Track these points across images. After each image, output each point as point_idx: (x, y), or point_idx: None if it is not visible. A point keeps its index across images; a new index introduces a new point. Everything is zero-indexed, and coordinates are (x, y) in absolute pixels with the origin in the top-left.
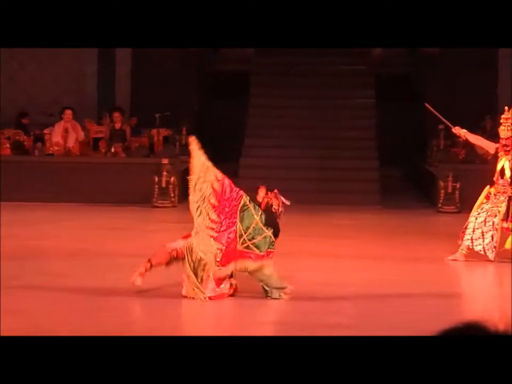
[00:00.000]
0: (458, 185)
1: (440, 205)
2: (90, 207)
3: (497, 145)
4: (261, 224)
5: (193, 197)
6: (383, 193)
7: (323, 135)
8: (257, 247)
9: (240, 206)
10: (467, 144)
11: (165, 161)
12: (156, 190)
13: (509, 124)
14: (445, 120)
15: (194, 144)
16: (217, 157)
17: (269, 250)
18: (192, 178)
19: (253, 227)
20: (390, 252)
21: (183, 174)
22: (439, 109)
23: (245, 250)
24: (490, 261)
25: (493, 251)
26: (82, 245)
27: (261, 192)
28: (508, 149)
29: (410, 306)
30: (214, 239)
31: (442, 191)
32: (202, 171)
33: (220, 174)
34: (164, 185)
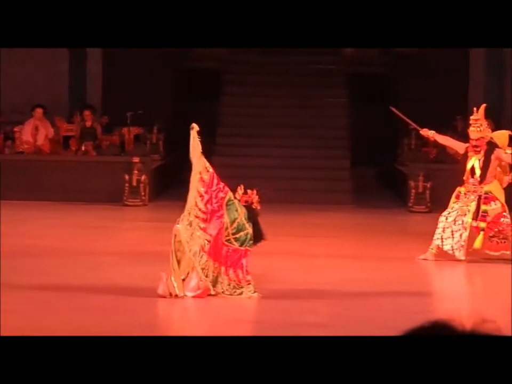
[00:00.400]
0: (429, 185)
1: (411, 205)
2: (62, 205)
3: (467, 145)
4: (244, 220)
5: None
6: (355, 192)
7: (296, 134)
8: (237, 241)
9: (226, 199)
10: (438, 144)
11: (136, 159)
12: (127, 188)
13: (479, 125)
14: (412, 123)
15: (194, 131)
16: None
17: (247, 248)
18: (195, 167)
19: (238, 222)
20: (363, 251)
21: (154, 173)
22: (412, 109)
23: (225, 243)
24: (459, 260)
25: (460, 250)
26: (57, 243)
27: (239, 191)
28: (478, 149)
29: (383, 305)
30: (203, 230)
31: (413, 191)
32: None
33: (209, 165)
34: (134, 183)
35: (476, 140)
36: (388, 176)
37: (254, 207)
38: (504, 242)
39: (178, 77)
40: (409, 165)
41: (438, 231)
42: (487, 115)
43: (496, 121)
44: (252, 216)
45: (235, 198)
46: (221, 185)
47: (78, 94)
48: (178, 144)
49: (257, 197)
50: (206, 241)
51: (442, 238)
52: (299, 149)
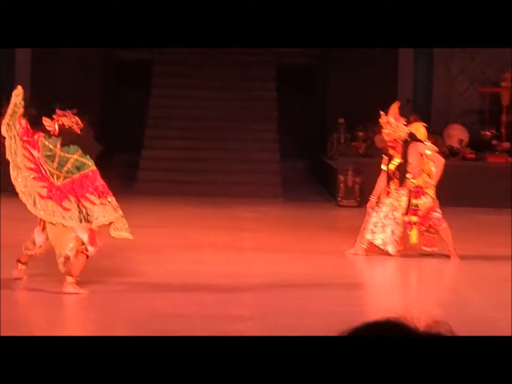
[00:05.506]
0: (358, 179)
1: (339, 199)
2: None
3: (387, 154)
4: (62, 153)
5: (7, 135)
6: (284, 186)
7: (225, 127)
8: (77, 169)
9: (41, 148)
10: (367, 138)
11: None
12: None
13: (389, 127)
14: None
15: (17, 91)
16: (121, 147)
17: (85, 171)
18: (6, 116)
19: (58, 161)
20: (291, 245)
21: None
22: (341, 101)
23: (64, 181)
24: (390, 255)
25: (392, 245)
26: None
27: (46, 122)
28: (395, 149)
29: (312, 299)
30: (35, 179)
31: (342, 185)
32: (14, 111)
33: (23, 121)
34: None
35: (390, 141)
36: (317, 170)
37: (74, 131)
38: (434, 237)
39: (109, 67)
40: (339, 159)
41: (369, 226)
42: (414, 108)
43: (425, 113)
44: (68, 140)
45: (51, 133)
46: (31, 135)
47: (6, 85)
48: (108, 136)
49: (68, 118)
50: (41, 188)
51: (373, 232)
52: (228, 141)
